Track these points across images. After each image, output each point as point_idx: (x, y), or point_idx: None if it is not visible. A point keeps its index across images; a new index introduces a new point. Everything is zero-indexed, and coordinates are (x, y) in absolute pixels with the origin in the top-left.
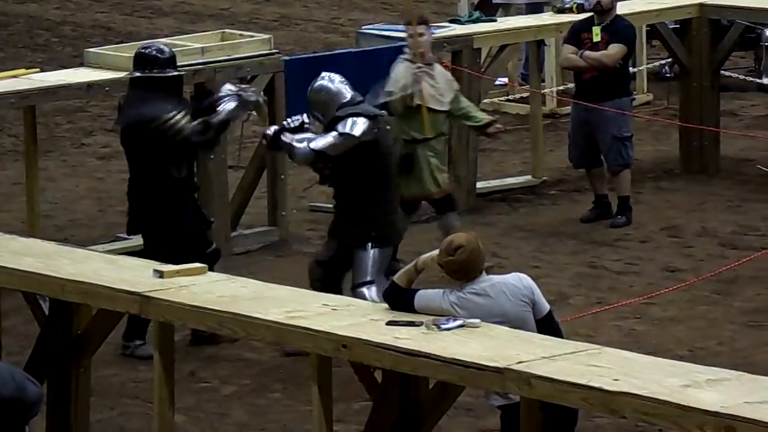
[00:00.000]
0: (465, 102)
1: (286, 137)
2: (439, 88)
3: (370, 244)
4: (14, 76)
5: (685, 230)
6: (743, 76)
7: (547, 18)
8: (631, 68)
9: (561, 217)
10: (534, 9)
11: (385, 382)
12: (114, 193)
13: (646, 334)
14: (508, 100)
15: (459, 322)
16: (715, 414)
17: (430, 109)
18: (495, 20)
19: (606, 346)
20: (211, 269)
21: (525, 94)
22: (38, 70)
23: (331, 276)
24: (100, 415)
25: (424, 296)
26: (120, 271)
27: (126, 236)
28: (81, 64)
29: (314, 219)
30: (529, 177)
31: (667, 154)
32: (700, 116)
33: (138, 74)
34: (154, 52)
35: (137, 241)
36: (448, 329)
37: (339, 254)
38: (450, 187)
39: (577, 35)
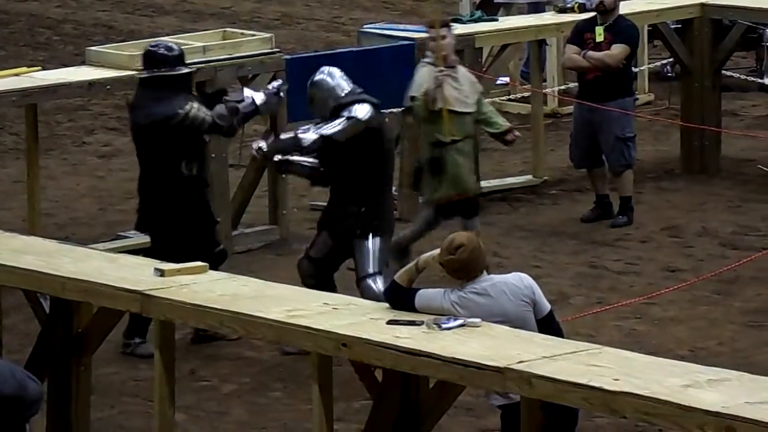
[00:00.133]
0: (488, 107)
1: (283, 137)
2: (463, 90)
3: (371, 233)
4: (16, 75)
5: (685, 230)
6: (744, 76)
7: (548, 17)
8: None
9: (562, 216)
10: (535, 8)
11: (385, 381)
12: (115, 192)
13: (646, 334)
14: (509, 100)
15: (459, 322)
16: (716, 414)
17: (454, 112)
18: (496, 20)
19: (606, 345)
20: (216, 269)
21: (526, 94)
22: (39, 68)
23: (324, 272)
24: (100, 414)
25: (425, 295)
26: (121, 269)
27: (126, 234)
28: (82, 63)
29: (315, 218)
30: (530, 177)
31: (667, 154)
32: (701, 116)
33: (147, 74)
34: (162, 51)
35: (138, 239)
36: (449, 329)
37: (334, 250)
38: (477, 189)
39: (580, 35)
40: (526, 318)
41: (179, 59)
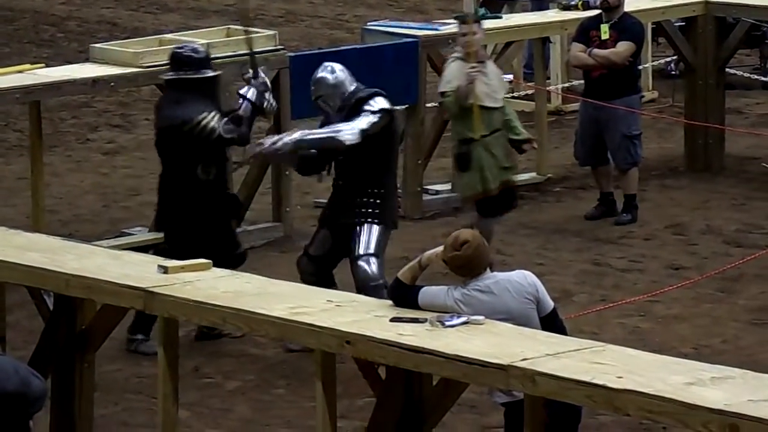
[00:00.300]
0: (510, 110)
1: (316, 136)
2: (492, 85)
3: (372, 221)
4: (19, 71)
5: (689, 228)
6: (748, 74)
7: (552, 15)
8: None
9: (565, 214)
10: (539, 6)
11: (388, 378)
12: (119, 189)
13: (650, 332)
14: (513, 97)
15: (463, 319)
16: (720, 412)
17: (484, 107)
18: (500, 17)
19: (610, 343)
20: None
21: (530, 91)
22: (43, 65)
23: (323, 269)
24: (104, 410)
25: (428, 293)
26: (124, 266)
27: (130, 231)
28: (86, 60)
29: (318, 215)
30: (533, 174)
31: (671, 152)
32: (705, 114)
33: (172, 75)
34: (188, 53)
35: (142, 236)
36: (452, 326)
37: (334, 246)
38: (506, 184)
39: (585, 33)
40: (530, 315)
41: (204, 62)
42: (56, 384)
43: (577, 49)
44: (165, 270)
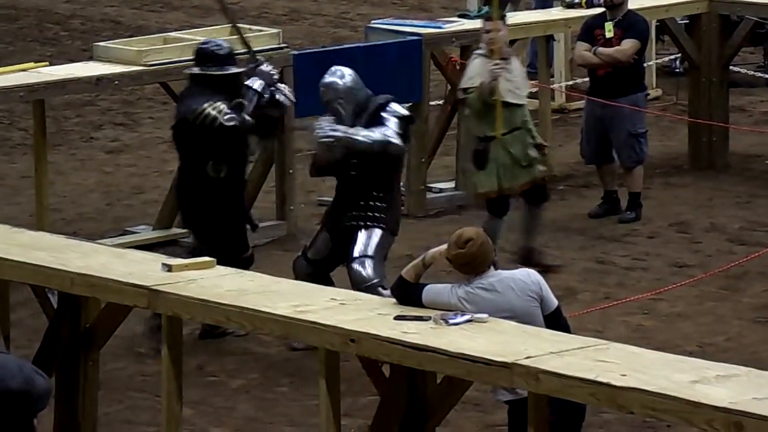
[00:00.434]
0: (527, 111)
1: (342, 134)
2: (516, 81)
3: (374, 225)
4: (23, 70)
5: (693, 226)
6: (752, 72)
7: (556, 13)
8: None
9: (569, 212)
10: (543, 4)
11: (392, 376)
12: (123, 187)
13: (654, 330)
14: None
15: (467, 317)
16: (724, 410)
17: (506, 104)
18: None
19: (614, 341)
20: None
21: (534, 90)
22: (47, 63)
23: (321, 272)
24: (108, 409)
25: (432, 291)
26: (128, 264)
27: (134, 230)
28: (90, 58)
29: (322, 214)
30: None
31: (675, 150)
32: (709, 112)
33: (195, 71)
34: (211, 48)
35: (146, 234)
36: (456, 324)
37: (334, 250)
38: (529, 181)
39: (589, 32)
40: (534, 313)
41: (225, 59)
42: (60, 382)
43: (582, 48)
44: (169, 268)
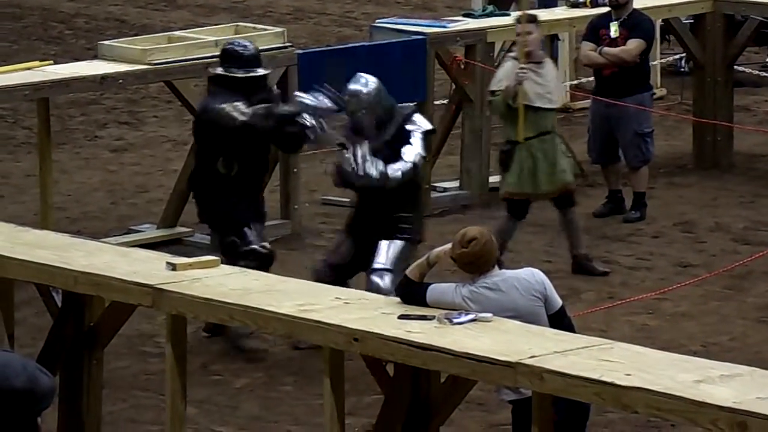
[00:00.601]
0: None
1: (395, 168)
2: (547, 85)
3: (399, 235)
4: (28, 69)
5: (697, 225)
6: (757, 72)
7: (560, 12)
8: None
9: None
10: (547, 3)
11: (396, 375)
12: (127, 186)
13: (658, 330)
14: None
15: (471, 317)
16: (728, 409)
17: (534, 108)
18: (509, 14)
19: (618, 341)
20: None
21: None
22: (52, 62)
23: (341, 278)
24: (112, 407)
25: (436, 290)
26: (132, 263)
27: (138, 228)
28: (95, 57)
29: (326, 212)
30: None
31: (680, 149)
32: (714, 111)
33: (218, 71)
34: (236, 49)
35: (150, 233)
36: (460, 323)
37: (356, 257)
38: (551, 190)
39: (595, 31)
40: (538, 313)
41: (249, 60)
42: (64, 381)
43: (588, 48)
44: (173, 267)
